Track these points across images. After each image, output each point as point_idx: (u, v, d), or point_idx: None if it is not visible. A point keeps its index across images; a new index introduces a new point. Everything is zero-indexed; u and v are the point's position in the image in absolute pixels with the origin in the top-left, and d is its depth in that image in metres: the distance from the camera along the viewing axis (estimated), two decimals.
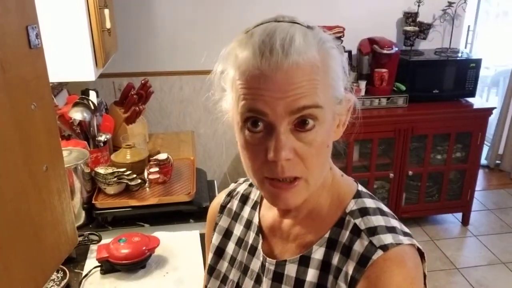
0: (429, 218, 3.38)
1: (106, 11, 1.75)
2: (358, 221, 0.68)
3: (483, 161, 4.01)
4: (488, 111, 3.03)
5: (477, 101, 3.13)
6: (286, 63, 0.59)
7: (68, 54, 1.61)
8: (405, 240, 0.65)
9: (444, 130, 3.01)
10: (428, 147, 3.02)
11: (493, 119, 3.77)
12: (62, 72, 1.61)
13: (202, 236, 1.56)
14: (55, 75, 1.54)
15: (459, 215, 3.36)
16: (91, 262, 1.43)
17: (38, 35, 0.68)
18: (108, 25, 1.76)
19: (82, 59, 1.63)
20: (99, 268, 1.40)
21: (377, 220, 0.68)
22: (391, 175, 3.01)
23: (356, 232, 0.67)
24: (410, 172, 3.03)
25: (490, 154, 4.14)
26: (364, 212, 0.70)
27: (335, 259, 0.68)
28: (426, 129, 2.95)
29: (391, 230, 0.67)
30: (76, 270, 1.42)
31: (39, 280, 0.70)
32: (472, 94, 3.06)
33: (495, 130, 4.04)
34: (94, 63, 1.66)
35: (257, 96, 0.60)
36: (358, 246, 0.66)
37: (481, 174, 4.04)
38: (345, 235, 0.68)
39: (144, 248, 1.38)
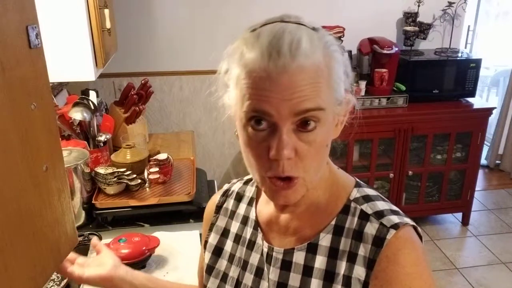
0: (429, 218, 3.38)
1: (106, 11, 1.75)
2: (364, 206, 0.72)
3: (483, 161, 4.01)
4: (488, 111, 3.03)
5: (477, 101, 3.13)
6: (293, 66, 0.60)
7: (68, 54, 1.61)
8: (409, 221, 0.70)
9: (444, 130, 3.01)
10: (428, 147, 3.02)
11: (493, 119, 3.78)
12: (62, 72, 1.61)
13: (202, 236, 1.56)
14: (55, 75, 1.55)
15: (459, 215, 3.36)
16: None
17: (38, 35, 0.68)
18: (108, 25, 1.76)
19: (82, 59, 1.63)
20: None
21: (381, 205, 0.72)
22: (391, 175, 3.01)
23: (364, 217, 0.70)
24: (410, 172, 3.03)
25: (490, 154, 4.15)
26: (367, 198, 0.73)
27: (342, 245, 0.70)
28: (426, 129, 2.95)
29: (396, 212, 0.71)
30: None
31: (39, 280, 0.70)
32: (472, 94, 3.06)
33: (495, 130, 4.04)
34: (94, 63, 1.66)
35: (263, 97, 0.61)
36: (370, 229, 0.69)
37: (481, 174, 4.04)
38: (353, 221, 0.71)
39: (144, 248, 1.37)
